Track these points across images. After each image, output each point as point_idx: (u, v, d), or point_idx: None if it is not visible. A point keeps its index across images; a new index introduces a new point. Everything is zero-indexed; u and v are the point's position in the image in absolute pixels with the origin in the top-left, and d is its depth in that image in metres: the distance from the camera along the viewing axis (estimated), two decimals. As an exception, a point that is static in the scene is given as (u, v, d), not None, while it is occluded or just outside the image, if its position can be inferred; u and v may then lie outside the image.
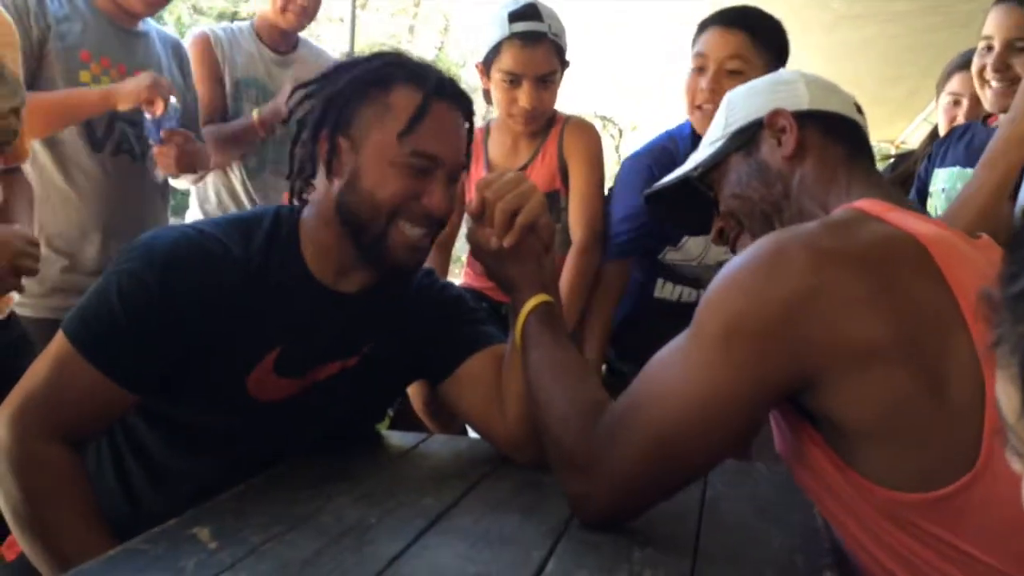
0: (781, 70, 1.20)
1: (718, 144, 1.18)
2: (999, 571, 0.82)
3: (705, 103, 1.94)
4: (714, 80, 1.92)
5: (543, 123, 2.14)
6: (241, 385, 1.21)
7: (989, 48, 1.89)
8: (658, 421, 0.94)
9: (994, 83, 1.88)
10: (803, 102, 1.13)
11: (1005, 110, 1.88)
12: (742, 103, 1.19)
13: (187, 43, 2.47)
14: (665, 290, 2.17)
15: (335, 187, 1.24)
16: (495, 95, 2.10)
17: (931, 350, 0.83)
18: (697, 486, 1.19)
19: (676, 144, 2.07)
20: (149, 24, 2.26)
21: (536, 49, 2.01)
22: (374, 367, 1.32)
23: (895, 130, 6.42)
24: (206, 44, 2.46)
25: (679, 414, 0.93)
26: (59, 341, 1.17)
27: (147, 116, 2.04)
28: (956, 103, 2.30)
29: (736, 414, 0.92)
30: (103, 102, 2.00)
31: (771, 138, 1.13)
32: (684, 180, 1.23)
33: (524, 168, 2.13)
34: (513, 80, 2.03)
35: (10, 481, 1.13)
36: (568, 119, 2.17)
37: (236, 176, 2.52)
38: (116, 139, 2.13)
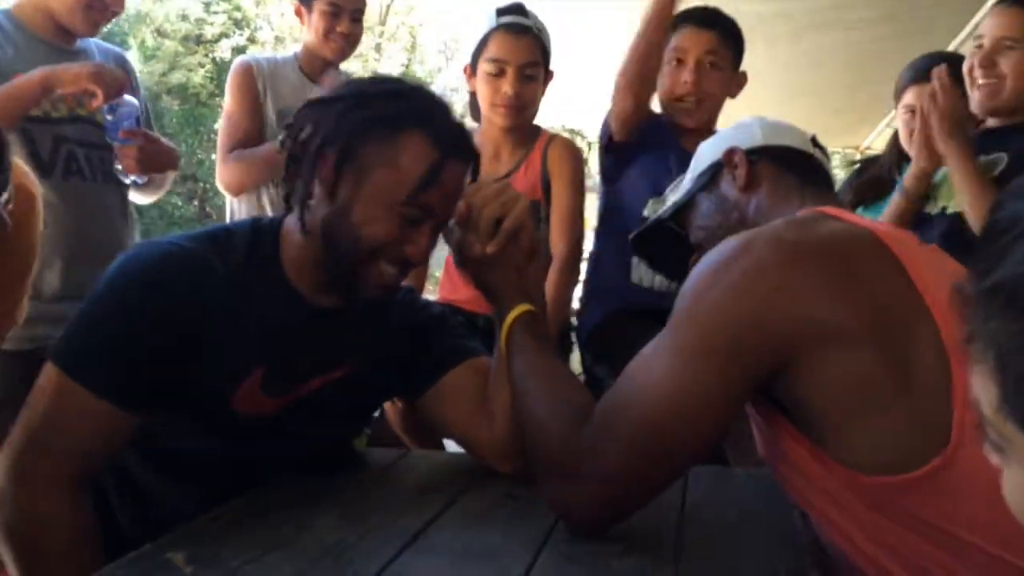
0: (744, 116, 1.30)
1: (687, 187, 1.30)
2: (984, 551, 0.83)
3: (687, 95, 2.15)
4: (695, 72, 2.13)
5: (525, 122, 2.20)
6: (225, 402, 1.20)
7: (980, 47, 1.95)
8: (640, 421, 0.96)
9: (980, 81, 1.93)
10: (756, 140, 1.25)
11: (992, 111, 1.95)
12: (707, 150, 1.30)
13: (231, 71, 2.46)
14: (641, 270, 2.18)
15: (325, 210, 1.21)
16: (481, 92, 2.17)
17: (895, 334, 0.87)
18: (677, 492, 1.20)
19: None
20: (88, 41, 2.22)
21: (521, 39, 2.12)
22: (356, 381, 1.31)
23: (859, 136, 6.50)
24: (248, 73, 2.44)
25: (662, 411, 0.95)
26: (50, 374, 1.13)
27: (107, 117, 1.99)
28: (912, 115, 2.33)
29: (713, 410, 0.95)
30: (42, 85, 1.90)
31: (728, 174, 1.23)
32: (661, 225, 1.34)
33: (507, 176, 2.19)
34: (499, 70, 2.12)
35: (17, 525, 1.10)
36: (553, 136, 2.26)
37: (267, 199, 2.49)
38: (64, 161, 2.08)
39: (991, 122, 2.03)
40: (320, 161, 1.20)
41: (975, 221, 1.81)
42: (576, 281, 2.18)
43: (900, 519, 0.87)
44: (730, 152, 1.23)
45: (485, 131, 2.23)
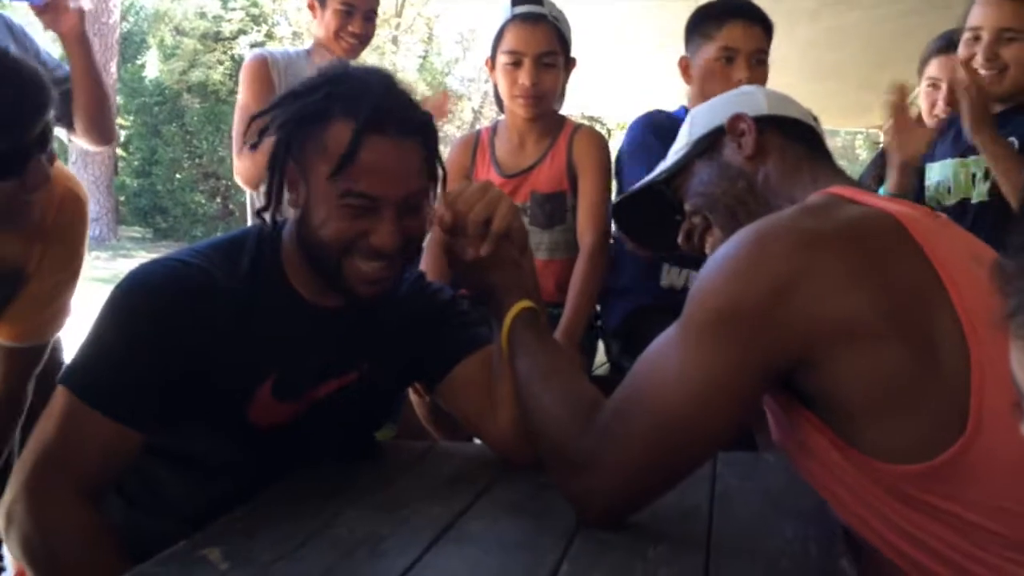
0: (742, 86, 1.27)
1: (682, 152, 1.24)
2: (1008, 539, 0.83)
3: None
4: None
5: (547, 111, 2.19)
6: (242, 414, 1.21)
7: (976, 38, 1.94)
8: (655, 413, 0.95)
9: (983, 72, 1.92)
10: (762, 108, 1.20)
11: (994, 98, 1.94)
12: (704, 116, 1.26)
13: (245, 64, 2.46)
14: (671, 276, 2.19)
15: (294, 215, 1.22)
16: (501, 84, 2.17)
17: (917, 321, 0.86)
18: (707, 480, 1.19)
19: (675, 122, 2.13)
20: None
21: (536, 28, 2.11)
22: (372, 380, 1.32)
23: (883, 115, 6.42)
24: (263, 66, 2.45)
25: (676, 405, 0.94)
26: (62, 396, 1.14)
27: None
28: (935, 87, 2.31)
29: (732, 401, 0.93)
30: None
31: (732, 142, 1.18)
32: (651, 193, 1.28)
33: (533, 167, 2.19)
34: (516, 61, 2.11)
35: (39, 545, 1.11)
36: (578, 126, 2.26)
37: None
38: None
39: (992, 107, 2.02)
40: (278, 169, 1.20)
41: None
42: (604, 271, 2.15)
43: (919, 506, 0.87)
44: (736, 118, 1.18)
45: (509, 122, 2.23)
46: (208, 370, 1.17)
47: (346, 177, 1.14)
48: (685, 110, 2.18)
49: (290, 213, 1.25)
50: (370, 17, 2.47)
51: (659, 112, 2.24)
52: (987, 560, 0.84)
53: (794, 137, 1.18)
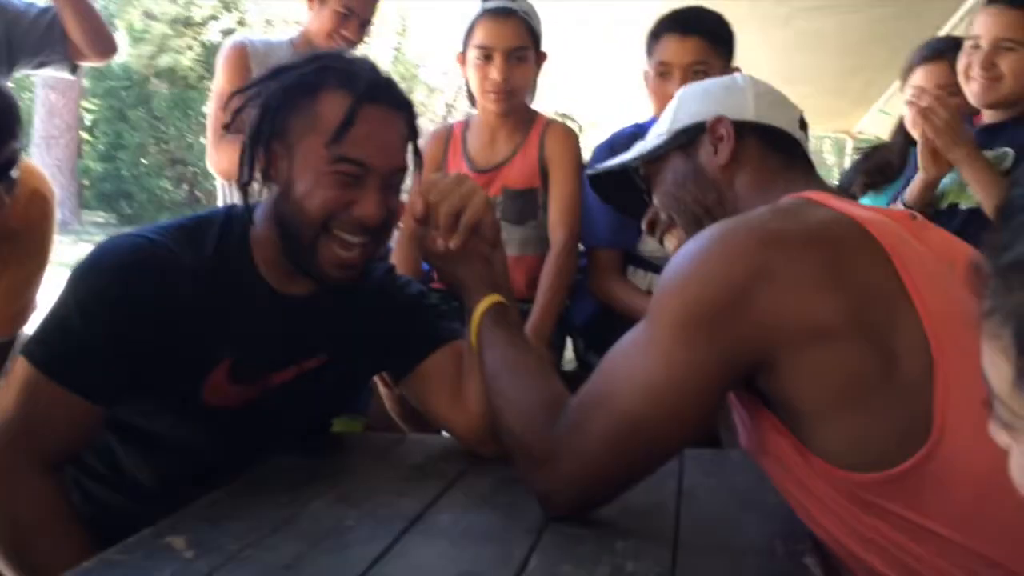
0: (737, 75, 1.24)
1: (661, 139, 1.21)
2: (970, 550, 0.83)
3: None
4: (683, 83, 1.96)
5: (517, 106, 2.18)
6: (197, 393, 1.21)
7: (976, 47, 1.96)
8: (619, 411, 0.95)
9: (980, 79, 1.94)
10: (748, 113, 1.16)
11: (989, 105, 1.98)
12: (691, 102, 1.21)
13: (223, 51, 2.44)
14: (636, 277, 2.21)
15: (273, 194, 1.22)
16: (472, 79, 2.16)
17: (880, 327, 0.86)
18: (673, 476, 1.20)
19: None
20: None
21: (506, 22, 2.10)
22: (331, 369, 1.32)
23: (851, 120, 6.50)
24: (242, 54, 2.42)
25: (639, 402, 0.94)
26: (22, 367, 1.14)
27: None
28: (918, 95, 2.33)
29: (694, 400, 0.94)
30: None
31: (710, 144, 1.15)
32: (624, 168, 1.27)
33: (504, 163, 2.18)
34: (486, 55, 2.10)
35: None
36: (550, 122, 2.25)
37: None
38: None
39: (989, 115, 2.04)
40: (255, 147, 1.21)
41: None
42: (575, 268, 2.16)
43: (880, 514, 0.87)
44: (718, 122, 1.15)
45: (481, 118, 2.22)
46: (166, 347, 1.16)
47: (342, 144, 1.16)
48: (654, 122, 2.17)
49: (264, 195, 1.24)
50: (365, 24, 2.47)
51: (620, 133, 2.22)
52: (949, 570, 0.84)
53: (774, 148, 1.15)
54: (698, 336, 0.91)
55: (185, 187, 16.64)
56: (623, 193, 1.32)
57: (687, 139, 1.18)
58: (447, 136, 2.27)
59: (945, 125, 1.90)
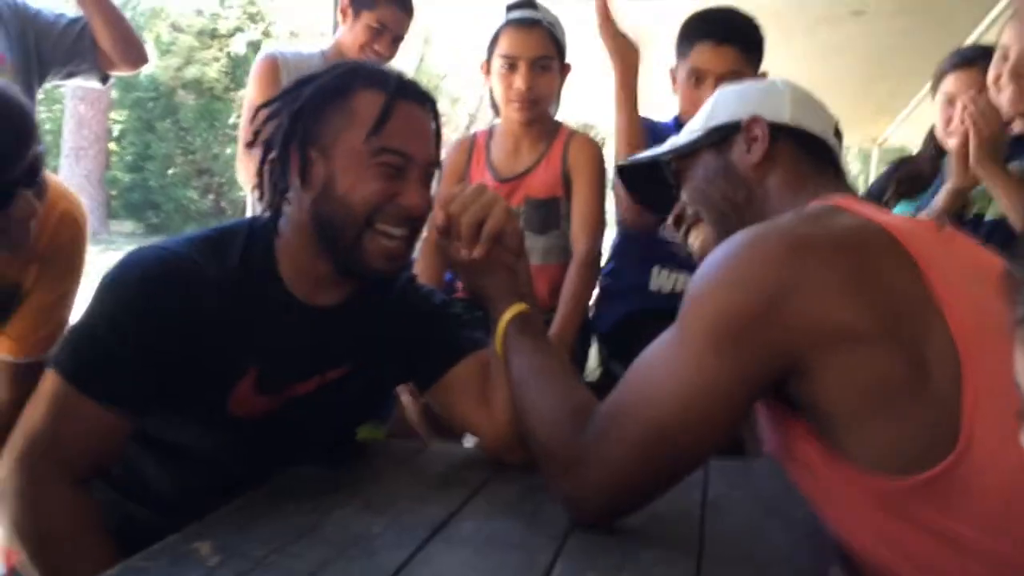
0: (776, 78, 1.25)
1: (695, 135, 1.22)
2: (997, 554, 0.83)
3: None
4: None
5: (541, 116, 2.19)
6: (223, 404, 1.21)
7: (1005, 57, 1.94)
8: (647, 419, 0.95)
9: (1009, 88, 1.92)
10: (784, 115, 1.17)
11: (1020, 115, 1.94)
12: (728, 102, 1.22)
13: (256, 63, 2.48)
14: (661, 278, 2.20)
15: (308, 198, 1.22)
16: (496, 88, 2.17)
17: (909, 332, 0.86)
18: (698, 486, 1.19)
19: (658, 132, 2.12)
20: None
21: (531, 32, 2.11)
22: (355, 380, 1.32)
23: (876, 128, 6.46)
24: (273, 66, 2.45)
25: (668, 411, 0.94)
26: (51, 380, 1.14)
27: None
28: (951, 103, 2.32)
29: (724, 407, 0.94)
30: None
31: (744, 143, 1.16)
32: (654, 162, 1.28)
33: (527, 172, 2.19)
34: (511, 64, 2.12)
35: (29, 522, 1.11)
36: (574, 132, 2.26)
37: None
38: None
39: (1019, 126, 2.02)
40: (288, 155, 1.22)
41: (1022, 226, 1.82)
42: (596, 279, 2.17)
43: (908, 519, 0.87)
44: (753, 122, 1.16)
45: (504, 127, 2.23)
46: (192, 358, 1.16)
47: (382, 136, 1.19)
48: (677, 121, 2.18)
49: (294, 203, 1.24)
50: (397, 40, 2.48)
51: (644, 120, 2.22)
52: (969, 573, 0.84)
53: (807, 152, 1.16)
54: (729, 343, 0.91)
55: (211, 197, 16.80)
56: (651, 187, 1.33)
57: (721, 137, 1.19)
58: (470, 145, 2.29)
59: (988, 138, 1.89)
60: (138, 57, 2.31)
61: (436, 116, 1.28)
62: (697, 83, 2.10)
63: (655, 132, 2.10)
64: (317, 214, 1.22)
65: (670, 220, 1.26)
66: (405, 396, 1.73)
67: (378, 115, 1.18)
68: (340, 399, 1.31)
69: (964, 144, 1.94)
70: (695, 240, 1.23)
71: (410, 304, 1.37)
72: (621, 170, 1.39)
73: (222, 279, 1.19)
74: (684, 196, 1.24)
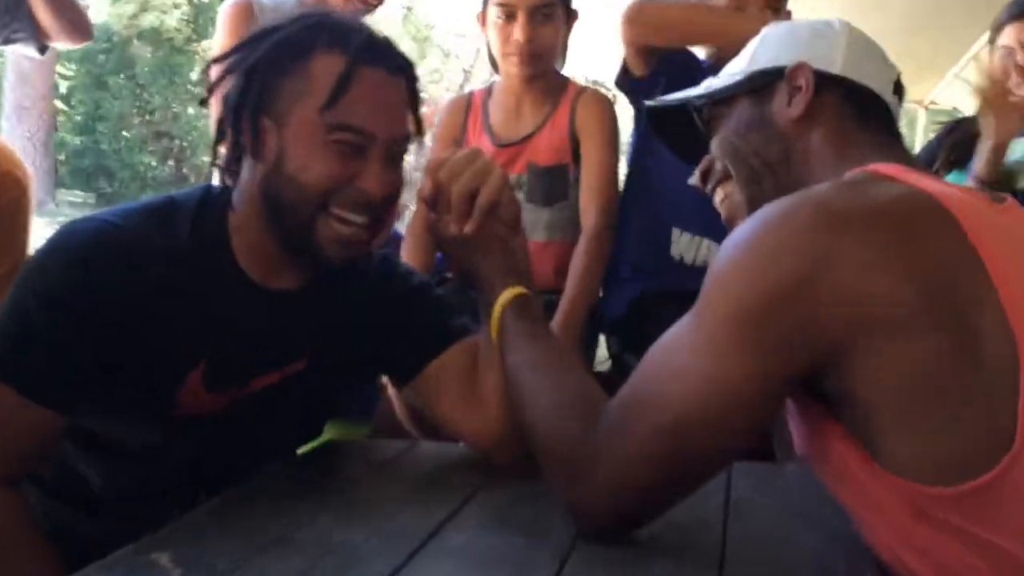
0: (834, 19, 1.22)
1: (734, 79, 1.21)
2: None
3: None
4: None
5: (545, 71, 2.18)
6: (169, 399, 1.21)
7: (1009, 53, 1.96)
8: (665, 415, 0.95)
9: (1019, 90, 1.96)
10: (834, 64, 1.15)
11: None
12: (776, 44, 1.20)
13: (225, 8, 2.44)
14: (681, 244, 2.17)
15: (260, 172, 1.20)
16: (492, 40, 2.15)
17: (956, 316, 0.85)
18: (720, 490, 1.20)
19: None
20: None
21: None
22: (320, 372, 1.32)
23: (924, 89, 6.44)
24: (247, 11, 2.42)
25: (689, 407, 0.93)
26: None
27: None
28: (1010, 54, 2.32)
29: (749, 404, 0.93)
30: None
31: (786, 93, 1.15)
32: (685, 106, 1.27)
33: (531, 136, 2.18)
34: (509, 13, 2.09)
35: None
36: (583, 89, 2.24)
37: None
38: None
39: None
40: (239, 120, 1.20)
41: None
42: (609, 254, 2.14)
43: (948, 530, 0.86)
44: (798, 68, 1.14)
45: (504, 85, 2.22)
46: (133, 347, 1.16)
47: (338, 110, 1.16)
48: (710, 65, 2.16)
49: (246, 174, 1.23)
50: None
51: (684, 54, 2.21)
52: None
53: (857, 108, 1.14)
54: (756, 332, 0.91)
55: (171, 163, 16.75)
56: (681, 133, 1.32)
57: (762, 83, 1.18)
58: (466, 106, 2.28)
59: None
60: (80, 33, 2.29)
61: (411, 83, 1.25)
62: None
63: (702, 70, 2.09)
64: (267, 190, 1.20)
65: (697, 174, 1.26)
66: (391, 388, 1.73)
67: (334, 85, 1.15)
68: (302, 396, 1.31)
69: (1000, 94, 1.95)
70: (721, 199, 1.22)
71: (385, 287, 1.36)
72: (651, 113, 1.38)
73: (169, 254, 1.17)
74: (713, 148, 1.23)
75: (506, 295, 1.22)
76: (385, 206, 1.23)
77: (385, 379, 1.60)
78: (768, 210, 0.96)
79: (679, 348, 0.97)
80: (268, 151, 1.19)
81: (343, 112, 1.16)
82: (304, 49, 1.18)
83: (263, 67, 1.19)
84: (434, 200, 1.24)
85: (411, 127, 1.25)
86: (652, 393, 0.97)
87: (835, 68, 1.15)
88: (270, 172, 1.19)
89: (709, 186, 1.24)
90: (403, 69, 1.23)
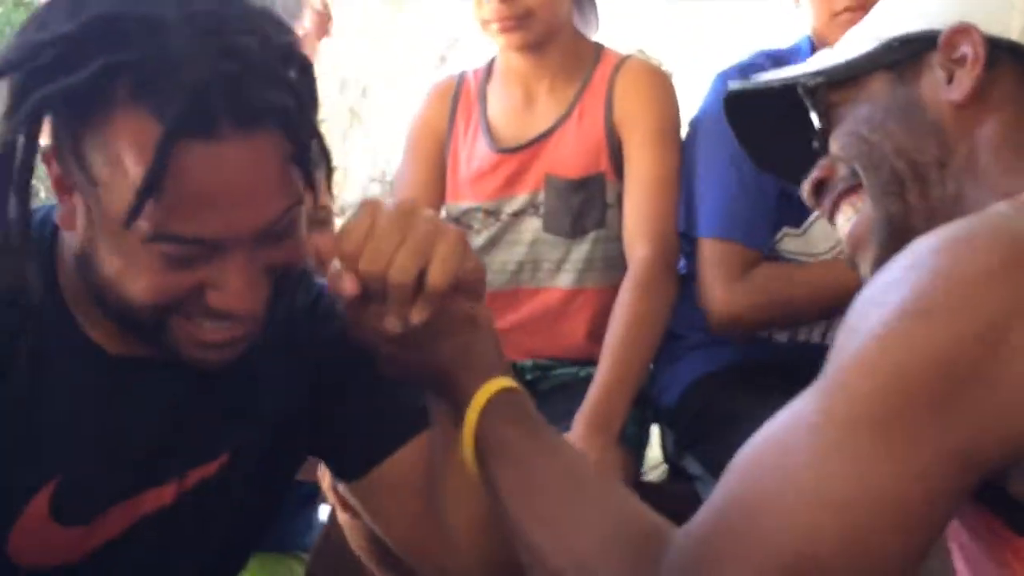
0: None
1: (864, 50, 1.22)
2: None
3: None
4: None
5: (547, 35, 2.14)
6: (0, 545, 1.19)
7: None
8: (779, 557, 0.89)
9: None
10: (1014, 27, 1.13)
11: None
12: (911, 2, 1.21)
13: None
14: None
15: (74, 248, 1.15)
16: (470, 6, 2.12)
17: None
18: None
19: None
20: None
21: None
22: (230, 483, 1.32)
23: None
24: None
25: (810, 539, 0.88)
26: None
27: None
28: None
29: (906, 526, 0.89)
30: None
31: (941, 68, 1.14)
32: (790, 89, 1.26)
33: (548, 134, 2.16)
34: None
35: None
36: (624, 60, 2.20)
37: None
38: None
39: None
40: (37, 148, 1.08)
41: None
42: (670, 303, 2.08)
43: None
44: (959, 32, 1.12)
45: (504, 64, 2.20)
46: None
47: (155, 213, 1.05)
48: (811, 43, 2.16)
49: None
50: None
51: (760, 54, 2.21)
52: None
53: None
54: (927, 415, 0.87)
55: None
56: (774, 135, 1.34)
57: (906, 55, 1.18)
58: (455, 94, 2.25)
59: None
60: None
61: (292, 131, 1.10)
62: None
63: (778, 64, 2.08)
64: (80, 271, 1.15)
65: (806, 188, 1.24)
66: (339, 510, 1.71)
67: (145, 175, 1.02)
68: (203, 522, 1.30)
69: None
70: (845, 222, 1.20)
71: (319, 345, 1.34)
72: (730, 104, 1.36)
73: None
74: (834, 148, 1.21)
75: (485, 392, 1.17)
76: (261, 309, 1.16)
77: (330, 496, 1.59)
78: (925, 244, 0.93)
79: (796, 447, 0.92)
80: (73, 223, 1.13)
81: (163, 215, 1.05)
82: (100, 99, 1.05)
83: (48, 95, 1.05)
84: (359, 296, 1.15)
85: (296, 191, 1.14)
86: (760, 512, 0.92)
87: (1014, 33, 1.13)
88: (80, 251, 1.14)
89: (827, 201, 1.23)
90: (267, 112, 1.07)
